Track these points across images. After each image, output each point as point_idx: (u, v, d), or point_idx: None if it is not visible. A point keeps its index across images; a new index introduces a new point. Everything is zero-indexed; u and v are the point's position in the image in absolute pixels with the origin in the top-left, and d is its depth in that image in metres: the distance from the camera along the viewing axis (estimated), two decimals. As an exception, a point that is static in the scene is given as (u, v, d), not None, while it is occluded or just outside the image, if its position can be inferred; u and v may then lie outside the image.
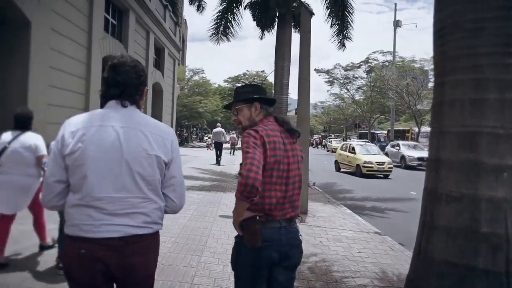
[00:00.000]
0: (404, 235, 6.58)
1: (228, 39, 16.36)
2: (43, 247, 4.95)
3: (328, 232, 6.64)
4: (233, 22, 15.57)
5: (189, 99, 48.62)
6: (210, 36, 16.21)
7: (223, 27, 15.77)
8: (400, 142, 25.77)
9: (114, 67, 1.89)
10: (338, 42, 13.81)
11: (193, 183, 11.32)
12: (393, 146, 25.69)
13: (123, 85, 1.86)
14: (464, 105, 2.73)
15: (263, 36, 17.49)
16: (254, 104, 2.29)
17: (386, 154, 25.03)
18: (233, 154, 26.21)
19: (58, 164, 1.79)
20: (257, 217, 2.09)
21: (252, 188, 1.92)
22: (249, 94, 2.33)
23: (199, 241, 5.57)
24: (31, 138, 4.27)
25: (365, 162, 17.00)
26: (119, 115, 1.82)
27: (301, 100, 8.22)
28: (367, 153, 18.10)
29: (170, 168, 1.91)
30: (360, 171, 17.08)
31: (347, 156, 18.68)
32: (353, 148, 18.64)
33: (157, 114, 18.98)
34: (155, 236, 1.91)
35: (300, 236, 2.27)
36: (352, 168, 18.06)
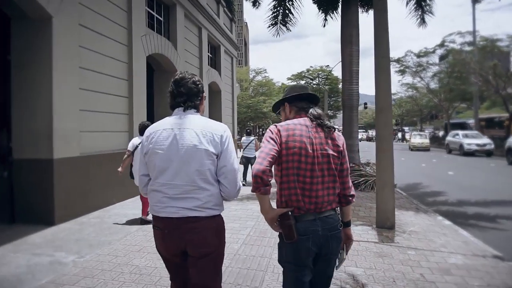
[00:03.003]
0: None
1: (288, 29, 14.95)
2: (142, 221, 6.45)
3: (428, 257, 4.87)
4: (291, 9, 14.09)
5: (253, 99, 47.94)
6: (269, 27, 14.98)
7: (281, 15, 14.38)
8: None
9: (176, 82, 2.34)
10: (418, 18, 11.73)
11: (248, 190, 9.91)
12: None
13: (186, 94, 2.31)
14: None
15: (326, 23, 15.85)
16: (285, 105, 2.45)
17: (510, 150, 19.44)
18: None
19: (142, 162, 2.34)
20: (290, 213, 2.15)
21: (256, 178, 2.06)
22: (282, 99, 2.49)
23: (253, 280, 4.12)
24: None
25: None
26: (179, 119, 2.27)
27: (379, 85, 6.47)
28: None
29: (221, 158, 2.21)
30: None
31: None
32: None
33: (216, 114, 17.90)
34: (213, 219, 2.23)
35: (339, 226, 2.27)
36: None
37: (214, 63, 18.02)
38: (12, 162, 6.42)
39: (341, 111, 12.98)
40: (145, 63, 9.71)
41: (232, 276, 4.20)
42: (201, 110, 2.37)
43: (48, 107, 6.25)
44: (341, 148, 2.27)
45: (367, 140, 51.83)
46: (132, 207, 7.76)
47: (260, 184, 2.06)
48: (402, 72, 43.31)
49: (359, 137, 21.39)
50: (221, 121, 17.95)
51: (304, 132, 2.19)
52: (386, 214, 6.36)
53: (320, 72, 51.74)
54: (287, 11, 14.01)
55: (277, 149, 2.14)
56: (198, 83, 2.35)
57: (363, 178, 10.32)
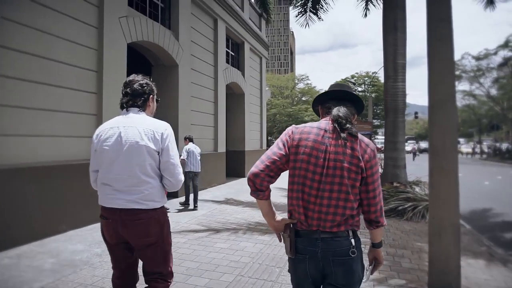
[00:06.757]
0: None
1: (319, 17, 12.73)
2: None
3: None
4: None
5: (293, 107, 45.67)
6: (296, 16, 12.91)
7: (311, 1, 12.15)
8: None
9: (125, 83, 2.51)
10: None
11: (251, 217, 7.41)
12: None
13: (131, 95, 2.45)
14: None
15: (367, 12, 13.47)
16: (318, 106, 2.13)
17: None
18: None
19: (93, 158, 2.46)
20: (291, 225, 1.91)
21: (248, 181, 1.91)
22: (315, 100, 2.21)
23: None
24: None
25: None
26: (124, 118, 2.41)
27: (435, 63, 3.99)
28: None
29: (163, 154, 2.36)
30: None
31: None
32: None
33: (236, 120, 15.81)
34: (155, 211, 2.36)
35: (351, 252, 1.81)
36: None
37: (237, 62, 15.86)
38: None
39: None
40: (125, 52, 7.66)
41: None
42: (148, 111, 2.52)
43: None
44: (361, 163, 1.83)
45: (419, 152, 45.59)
46: (79, 239, 5.65)
47: (252, 188, 1.89)
48: (458, 77, 39.41)
49: (408, 148, 18.34)
50: (244, 128, 15.87)
51: (320, 138, 1.86)
52: (446, 274, 3.83)
53: (366, 79, 48.48)
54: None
55: (283, 153, 1.89)
56: (144, 85, 2.48)
57: (410, 204, 7.68)
